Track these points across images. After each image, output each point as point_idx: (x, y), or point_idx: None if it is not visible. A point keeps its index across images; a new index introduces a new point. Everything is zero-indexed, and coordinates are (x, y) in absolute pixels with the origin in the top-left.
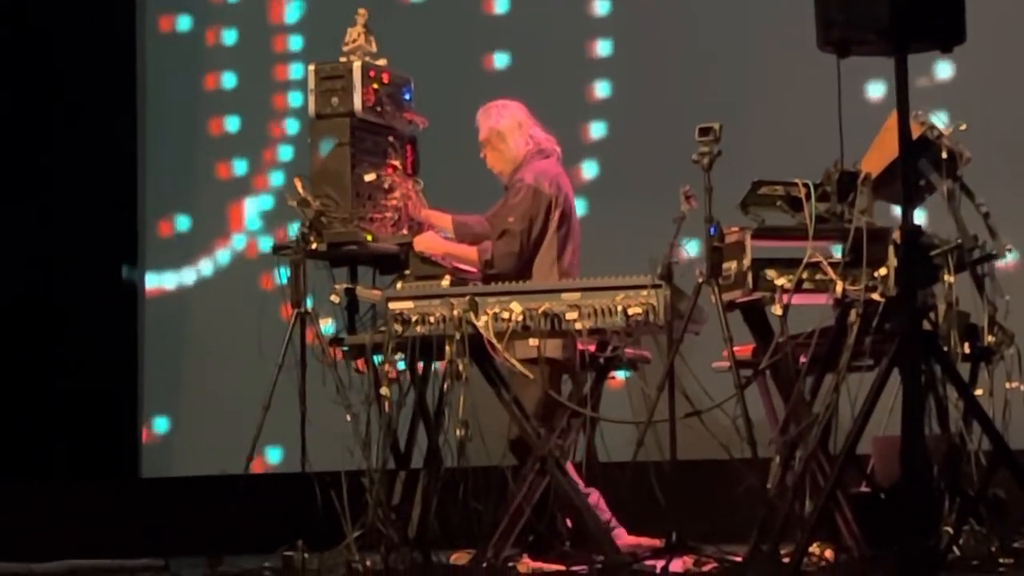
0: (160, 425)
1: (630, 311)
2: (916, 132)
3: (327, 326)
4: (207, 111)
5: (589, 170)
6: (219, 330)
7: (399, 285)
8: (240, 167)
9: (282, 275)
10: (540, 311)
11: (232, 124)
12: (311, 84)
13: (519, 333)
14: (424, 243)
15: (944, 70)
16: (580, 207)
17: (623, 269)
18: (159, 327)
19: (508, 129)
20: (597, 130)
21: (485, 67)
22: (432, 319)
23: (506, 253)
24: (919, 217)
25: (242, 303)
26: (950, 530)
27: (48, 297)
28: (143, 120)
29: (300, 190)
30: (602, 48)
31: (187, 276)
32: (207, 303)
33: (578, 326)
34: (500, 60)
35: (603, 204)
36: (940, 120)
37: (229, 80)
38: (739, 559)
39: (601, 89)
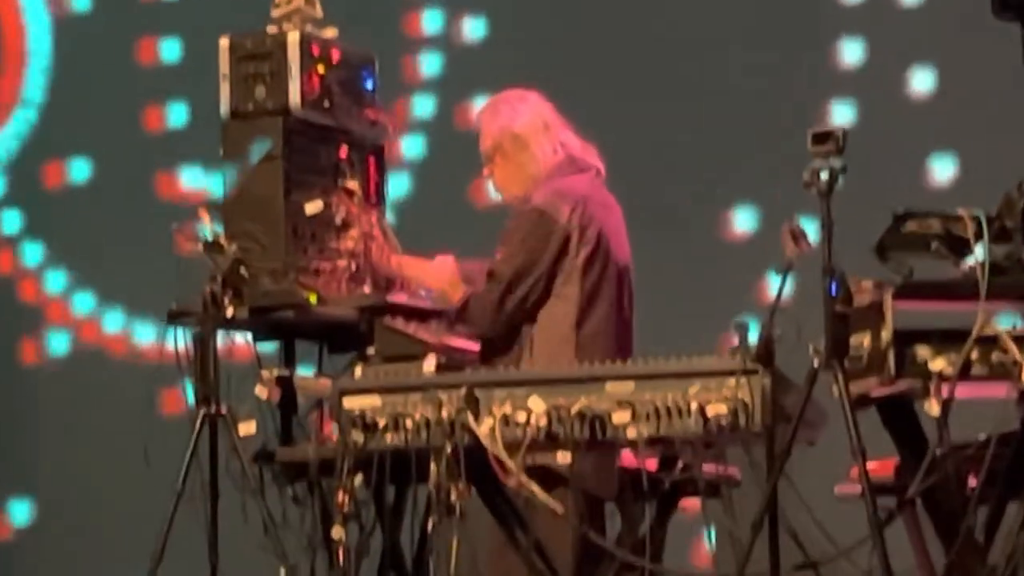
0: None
1: (710, 410)
2: None
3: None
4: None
5: None
6: (92, 433)
7: (358, 370)
8: None
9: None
10: (574, 410)
11: None
12: (224, 67)
13: (542, 443)
14: (436, 272)
15: None
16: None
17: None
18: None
19: (530, 132)
20: None
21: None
22: (410, 423)
23: (484, 306)
24: None
25: (126, 392)
26: None
27: None
28: None
29: (207, 226)
30: None
31: (56, 343)
32: (71, 389)
33: (631, 433)
34: None
35: None
36: None
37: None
38: None
39: None
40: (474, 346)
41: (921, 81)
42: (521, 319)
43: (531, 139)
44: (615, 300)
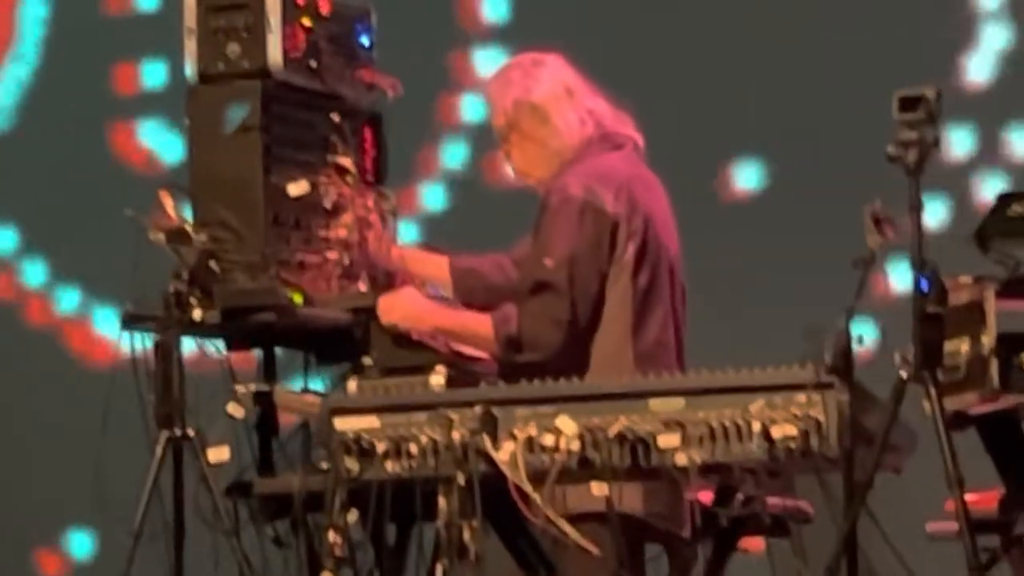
0: None
1: (775, 431)
2: None
3: None
4: None
5: None
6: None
7: (353, 385)
8: None
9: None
10: (612, 432)
11: None
12: (190, 21)
13: (574, 472)
14: (399, 311)
15: None
16: None
17: None
18: None
19: (550, 101)
20: None
21: None
22: (414, 448)
23: (546, 323)
24: None
25: (74, 405)
26: None
27: None
28: None
29: (170, 212)
30: None
31: None
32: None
33: (681, 459)
34: None
35: None
36: None
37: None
38: None
39: None
40: (487, 357)
41: None
42: (590, 330)
43: (552, 109)
44: (668, 300)
